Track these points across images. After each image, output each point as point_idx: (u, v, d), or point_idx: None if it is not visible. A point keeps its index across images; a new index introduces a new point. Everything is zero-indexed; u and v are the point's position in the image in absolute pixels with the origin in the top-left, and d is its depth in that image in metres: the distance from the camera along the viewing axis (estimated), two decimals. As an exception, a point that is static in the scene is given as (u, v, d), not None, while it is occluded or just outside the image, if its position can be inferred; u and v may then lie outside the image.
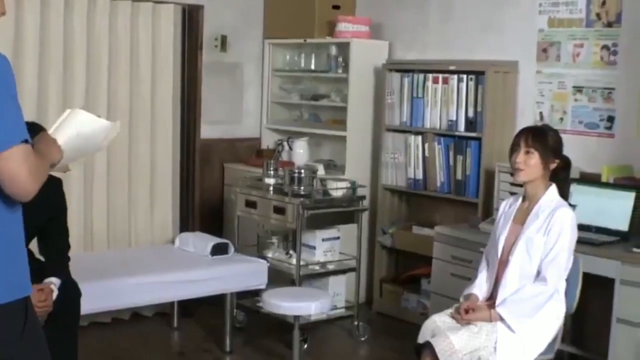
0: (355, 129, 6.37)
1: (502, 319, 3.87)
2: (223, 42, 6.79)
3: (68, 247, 4.46)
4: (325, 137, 6.82)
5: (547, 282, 3.86)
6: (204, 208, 6.62)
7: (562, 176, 4.06)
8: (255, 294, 5.77)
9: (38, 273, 4.27)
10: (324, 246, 5.75)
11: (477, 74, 5.65)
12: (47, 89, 5.52)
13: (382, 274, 6.36)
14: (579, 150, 5.39)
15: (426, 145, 5.93)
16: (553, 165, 4.00)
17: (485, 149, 5.60)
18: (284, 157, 6.73)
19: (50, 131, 2.76)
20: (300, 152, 6.63)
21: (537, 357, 3.93)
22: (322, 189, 5.65)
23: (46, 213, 4.30)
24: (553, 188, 4.01)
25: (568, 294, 3.97)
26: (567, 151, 5.30)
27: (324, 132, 6.70)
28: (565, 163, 4.08)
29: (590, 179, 5.17)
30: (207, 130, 6.61)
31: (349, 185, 5.71)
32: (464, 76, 5.71)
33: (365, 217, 6.01)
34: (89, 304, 4.44)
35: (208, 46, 6.62)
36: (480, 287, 4.15)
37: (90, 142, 2.92)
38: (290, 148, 6.70)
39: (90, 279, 4.60)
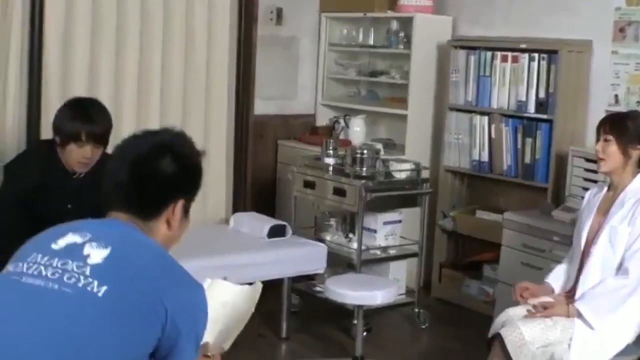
0: (417, 107, 6.12)
1: (580, 315, 3.64)
2: (279, 15, 6.55)
3: (124, 228, 4.28)
4: (382, 115, 6.58)
5: (629, 275, 3.62)
6: (256, 186, 6.39)
7: None
8: (311, 277, 5.58)
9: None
10: (385, 230, 5.51)
11: (549, 52, 5.38)
12: (99, 64, 5.29)
13: (442, 258, 6.13)
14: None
15: (492, 127, 5.67)
16: (635, 152, 3.77)
17: (557, 132, 5.34)
18: (340, 135, 6.50)
19: None
20: (357, 130, 6.40)
21: (618, 357, 3.71)
22: (385, 170, 5.40)
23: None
24: None
25: None
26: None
27: (382, 109, 6.46)
28: None
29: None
30: (261, 106, 6.38)
31: (412, 167, 5.47)
32: (536, 55, 5.43)
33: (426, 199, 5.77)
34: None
35: (263, 19, 6.37)
36: (557, 278, 3.96)
37: (237, 313, 2.78)
38: (347, 126, 6.47)
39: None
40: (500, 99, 5.65)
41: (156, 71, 5.50)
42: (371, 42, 6.56)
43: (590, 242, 3.82)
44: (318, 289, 5.60)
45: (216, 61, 5.77)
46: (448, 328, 5.53)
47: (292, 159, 6.35)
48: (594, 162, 4.99)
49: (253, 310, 2.87)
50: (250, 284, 2.89)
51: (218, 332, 2.68)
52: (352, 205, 5.28)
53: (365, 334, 5.00)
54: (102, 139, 3.94)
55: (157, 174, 2.19)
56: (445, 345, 5.25)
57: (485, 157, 5.75)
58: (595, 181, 5.08)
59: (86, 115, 3.87)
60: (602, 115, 5.28)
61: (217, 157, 5.83)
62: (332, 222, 5.68)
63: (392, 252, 5.56)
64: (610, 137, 3.80)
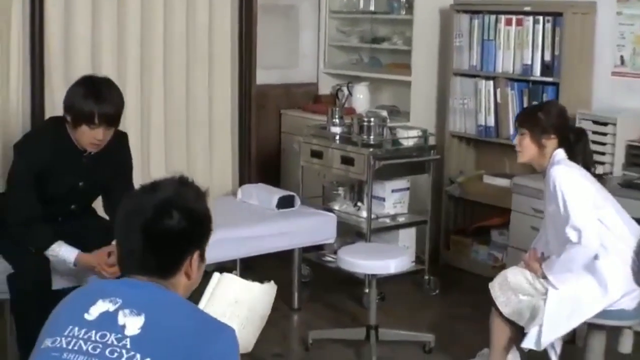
0: (421, 73, 6.08)
1: (545, 277, 3.85)
2: (278, -17, 6.50)
3: (134, 204, 4.24)
4: (385, 82, 6.54)
5: (570, 243, 3.77)
6: (259, 157, 6.34)
7: (578, 149, 3.99)
8: (320, 246, 5.57)
9: (103, 233, 4.09)
10: (394, 198, 5.51)
11: (553, 15, 5.34)
12: (101, 36, 5.21)
13: (449, 225, 6.12)
14: (665, 96, 5.15)
15: (498, 91, 5.65)
16: (548, 142, 3.94)
17: (564, 95, 5.30)
18: (343, 102, 6.46)
19: (202, 304, 2.53)
20: (360, 97, 6.38)
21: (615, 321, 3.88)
22: (392, 138, 5.38)
23: (112, 169, 4.10)
24: (555, 153, 3.94)
25: None
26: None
27: (385, 76, 6.42)
28: (577, 136, 4.02)
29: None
30: (262, 75, 6.29)
31: (420, 133, 5.44)
32: (540, 18, 5.39)
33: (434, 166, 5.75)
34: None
35: (263, -12, 6.31)
36: (538, 242, 4.17)
37: (254, 315, 2.74)
38: (350, 93, 6.43)
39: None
40: (505, 62, 5.62)
41: (158, 42, 5.43)
42: (372, 8, 6.52)
43: None
44: (328, 258, 5.62)
45: (218, 31, 5.70)
46: (458, 294, 5.54)
47: (296, 128, 6.32)
48: (603, 124, 5.05)
49: (270, 311, 2.87)
50: (262, 282, 2.88)
51: (236, 331, 2.66)
52: (360, 174, 5.27)
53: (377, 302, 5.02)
54: (114, 120, 3.92)
55: (168, 235, 2.14)
56: (456, 312, 5.25)
57: (491, 122, 5.72)
58: (603, 144, 5.09)
59: (99, 97, 3.82)
60: (609, 77, 5.38)
61: (222, 129, 5.78)
62: (340, 191, 5.67)
63: (401, 219, 5.55)
64: (524, 131, 3.99)
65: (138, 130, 5.31)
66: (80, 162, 3.98)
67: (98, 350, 2.02)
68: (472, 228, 6.03)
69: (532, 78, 5.47)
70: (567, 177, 3.85)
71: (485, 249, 5.85)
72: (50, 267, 3.95)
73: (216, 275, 2.77)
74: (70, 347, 2.04)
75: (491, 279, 3.93)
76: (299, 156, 5.72)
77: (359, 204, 5.52)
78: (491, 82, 5.69)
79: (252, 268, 5.68)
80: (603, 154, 5.07)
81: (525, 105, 5.47)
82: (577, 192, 3.83)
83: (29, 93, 4.93)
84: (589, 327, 3.96)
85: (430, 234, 5.81)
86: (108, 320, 2.05)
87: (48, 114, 4.94)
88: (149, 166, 5.51)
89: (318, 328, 4.84)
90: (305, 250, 5.44)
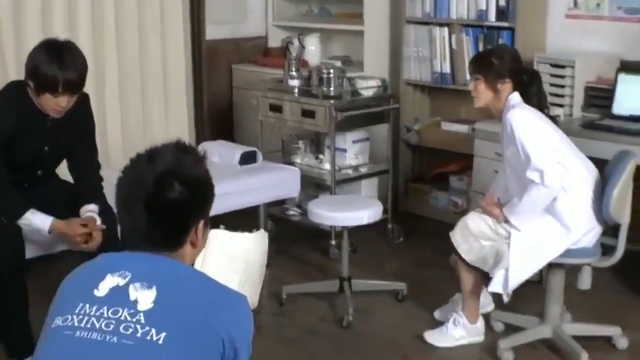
0: (373, 22, 6.05)
1: (507, 220, 3.90)
2: None
3: (99, 166, 4.18)
4: (336, 32, 6.51)
5: (532, 185, 3.81)
6: (212, 112, 6.30)
7: (532, 91, 4.03)
8: (282, 201, 5.54)
9: (69, 196, 4.02)
10: (355, 149, 5.50)
11: (508, -41, 5.35)
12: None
13: (407, 173, 6.14)
14: (619, 38, 5.21)
15: (453, 37, 5.65)
16: (503, 86, 3.98)
17: (519, 39, 5.33)
18: (293, 54, 6.39)
19: (197, 265, 2.48)
20: (312, 49, 6.31)
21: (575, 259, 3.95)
22: (352, 89, 5.35)
23: (76, 131, 4.01)
24: (510, 97, 3.98)
25: (604, 195, 3.84)
26: (603, 38, 5.16)
27: (336, 27, 6.38)
28: (530, 77, 4.05)
29: (635, 67, 4.96)
30: (212, 31, 6.23)
31: (379, 83, 5.42)
32: (493, -39, 5.40)
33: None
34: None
35: (208, -61, 6.19)
36: (497, 187, 4.24)
37: (251, 268, 2.68)
38: (302, 45, 6.35)
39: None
40: (459, 9, 5.63)
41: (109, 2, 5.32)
42: (320, -43, 6.45)
43: None
44: (291, 212, 5.60)
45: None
46: (422, 241, 5.58)
47: (248, 83, 6.26)
48: (560, 67, 5.09)
49: (266, 261, 2.84)
50: (251, 231, 2.84)
51: (237, 288, 2.63)
52: (321, 126, 5.24)
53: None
54: (78, 87, 3.81)
55: (172, 208, 2.08)
56: (423, 259, 5.29)
57: (447, 69, 5.74)
58: (562, 86, 5.14)
59: (62, 65, 3.68)
60: (563, 20, 5.40)
61: (177, 86, 5.73)
62: (300, 144, 5.64)
63: (363, 170, 5.55)
64: (478, 76, 4.02)
65: (92, 86, 5.19)
66: (44, 127, 3.88)
67: (111, 326, 1.98)
68: (430, 175, 6.07)
69: (487, 23, 5.48)
70: (524, 120, 3.88)
71: (444, 195, 5.90)
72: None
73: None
74: (82, 324, 2.00)
75: (452, 224, 4.02)
76: (256, 111, 5.65)
77: (321, 156, 5.50)
78: (445, 29, 5.69)
79: (215, 224, 5.64)
80: (562, 96, 5.12)
81: (480, 50, 5.49)
82: (536, 134, 3.86)
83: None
84: (549, 266, 4.03)
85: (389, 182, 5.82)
86: (119, 296, 2.01)
87: (-1, 78, 4.84)
88: (105, 123, 5.41)
89: (289, 282, 4.82)
90: (268, 205, 5.41)
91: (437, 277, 4.88)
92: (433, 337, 4.21)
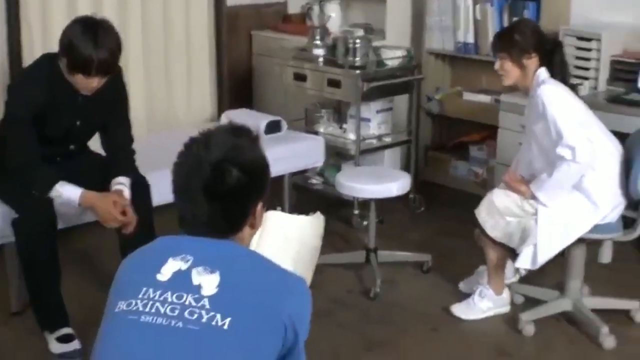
0: (396, -10, 6.02)
1: (534, 196, 3.93)
2: None
3: (132, 140, 4.19)
4: (356, 0, 6.46)
5: (563, 161, 3.81)
6: (231, 80, 6.26)
7: (556, 60, 4.02)
8: (304, 170, 5.56)
9: (101, 169, 4.04)
10: (378, 118, 5.52)
11: None
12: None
13: (427, 142, 6.15)
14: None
15: (477, 7, 5.63)
16: (529, 61, 3.98)
17: (545, 11, 5.30)
18: (314, 21, 6.38)
19: (252, 246, 2.47)
20: (332, 16, 6.27)
21: (598, 234, 3.98)
22: (377, 59, 5.35)
23: (109, 105, 4.02)
24: (538, 73, 3.98)
25: (632, 170, 3.87)
26: (631, 10, 5.18)
27: (359, -7, 6.36)
28: (553, 47, 4.05)
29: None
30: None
31: (404, 53, 5.42)
32: None
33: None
34: (156, 196, 4.16)
35: None
36: (519, 163, 4.25)
37: (306, 250, 2.68)
38: (322, 11, 6.33)
39: (152, 169, 4.27)
40: (484, -22, 5.60)
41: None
42: None
43: None
44: (313, 181, 5.62)
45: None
46: (443, 211, 5.62)
47: (268, 49, 6.26)
48: (586, 39, 5.09)
49: (320, 243, 2.86)
50: (307, 213, 2.87)
51: (291, 269, 2.65)
52: (347, 96, 5.25)
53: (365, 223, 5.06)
54: (111, 69, 3.80)
55: (231, 194, 2.09)
56: (445, 229, 5.34)
57: (470, 39, 5.71)
58: (588, 59, 5.14)
59: (97, 46, 3.64)
60: (588, -9, 5.38)
61: (200, 54, 5.70)
62: (324, 113, 5.64)
63: (386, 140, 5.57)
64: (503, 54, 4.02)
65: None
66: (76, 101, 3.87)
67: (176, 312, 2.00)
68: (451, 144, 6.09)
69: (512, -6, 5.47)
70: (556, 97, 3.90)
71: (464, 164, 5.91)
72: (54, 208, 3.90)
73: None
74: (147, 309, 2.02)
75: (472, 194, 4.07)
76: (277, 78, 5.66)
77: (344, 125, 5.51)
78: (470, -1, 5.68)
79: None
80: (587, 69, 5.12)
81: (505, 21, 5.48)
82: (567, 110, 3.88)
83: (5, 29, 4.78)
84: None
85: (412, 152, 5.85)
86: (182, 280, 2.04)
87: (25, 50, 4.83)
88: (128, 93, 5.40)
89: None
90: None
91: (460, 247, 4.92)
92: (460, 310, 4.27)
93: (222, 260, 2.06)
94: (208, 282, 2.02)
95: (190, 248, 2.09)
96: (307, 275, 2.77)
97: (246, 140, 2.17)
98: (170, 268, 2.06)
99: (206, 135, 2.17)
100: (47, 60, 3.92)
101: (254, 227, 2.20)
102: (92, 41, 3.65)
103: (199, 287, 2.02)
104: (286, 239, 2.73)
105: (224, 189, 2.08)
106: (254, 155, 2.16)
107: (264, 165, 2.19)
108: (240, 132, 2.20)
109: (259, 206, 2.17)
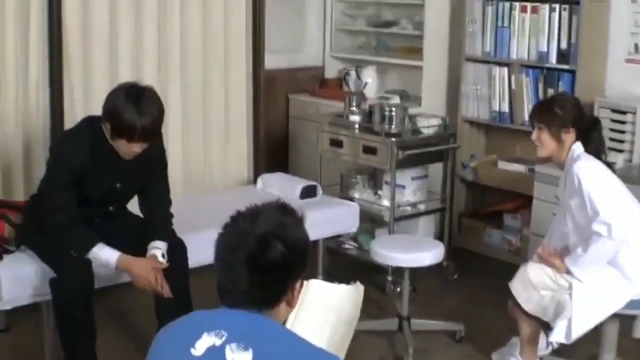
0: (432, 58, 6.11)
1: (569, 271, 3.92)
2: (284, -33, 6.46)
3: (170, 203, 4.23)
4: (392, 66, 6.57)
5: (598, 237, 3.80)
6: (268, 143, 6.34)
7: (593, 137, 4.04)
8: (338, 235, 5.59)
9: (139, 232, 4.09)
10: (413, 185, 5.55)
11: (570, 3, 5.38)
12: (118, 27, 5.17)
13: (461, 209, 6.18)
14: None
15: (512, 77, 5.69)
16: (567, 136, 3.99)
17: (580, 82, 5.36)
18: (350, 86, 6.47)
19: (292, 314, 2.54)
20: (369, 81, 6.36)
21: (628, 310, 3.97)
22: (413, 127, 5.41)
23: (148, 168, 4.08)
24: (574, 148, 4.00)
25: None
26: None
27: (395, 61, 6.44)
28: (591, 124, 4.07)
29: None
30: (270, 60, 6.27)
31: (440, 122, 5.48)
32: (556, 5, 5.43)
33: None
34: (192, 259, 4.20)
35: (268, -29, 6.26)
36: (552, 237, 4.25)
37: (344, 320, 2.73)
38: (359, 77, 6.43)
39: (188, 230, 4.33)
40: (519, 49, 5.65)
41: (175, 35, 5.42)
42: (379, -8, 6.53)
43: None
44: (347, 246, 5.65)
45: (233, 15, 5.68)
46: (476, 278, 5.62)
47: (305, 113, 6.35)
48: (622, 112, 5.12)
49: (358, 315, 2.88)
50: (348, 283, 2.89)
51: (328, 339, 2.67)
52: (382, 163, 5.30)
53: (398, 290, 5.07)
54: (153, 136, 3.88)
55: (273, 268, 2.14)
56: (478, 297, 5.32)
57: (505, 108, 5.77)
58: (623, 132, 5.17)
59: (141, 114, 3.72)
60: (623, 64, 5.43)
61: (238, 117, 5.79)
62: (359, 179, 5.69)
63: (421, 207, 5.61)
64: (542, 125, 4.02)
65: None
66: (117, 164, 3.93)
67: None
68: (485, 212, 6.10)
69: (547, 65, 5.51)
70: (591, 173, 3.91)
71: (498, 232, 5.93)
72: (92, 270, 3.95)
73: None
74: None
75: (506, 262, 4.06)
76: (313, 143, 5.73)
77: (379, 192, 5.56)
78: (505, 69, 5.73)
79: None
80: (622, 141, 5.14)
81: (540, 92, 5.54)
82: (603, 187, 3.89)
83: (48, 90, 4.91)
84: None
85: (444, 218, 5.87)
86: (216, 356, 2.06)
87: (67, 111, 4.94)
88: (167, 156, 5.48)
89: (347, 318, 4.85)
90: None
91: (493, 317, 4.90)
92: (494, 381, 4.26)
93: (256, 338, 2.08)
94: (241, 359, 2.04)
95: (225, 323, 2.12)
96: (344, 345, 2.79)
97: (292, 218, 2.22)
98: (204, 343, 2.08)
99: (253, 210, 2.22)
100: (90, 123, 3.99)
101: (291, 305, 2.23)
102: (136, 108, 3.72)
103: None
104: (325, 308, 2.75)
105: (266, 262, 2.12)
106: (299, 234, 2.20)
107: (306, 244, 2.23)
108: (286, 210, 2.25)
109: (298, 284, 2.21)
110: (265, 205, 2.25)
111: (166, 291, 3.92)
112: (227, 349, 2.05)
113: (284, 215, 2.21)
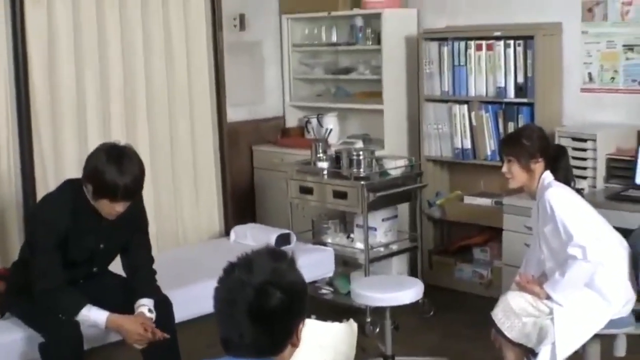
0: (392, 101, 6.22)
1: (548, 297, 4.00)
2: (242, 21, 6.55)
3: (152, 260, 4.26)
4: (352, 111, 6.68)
5: (574, 261, 3.90)
6: (235, 194, 6.39)
7: (560, 165, 4.18)
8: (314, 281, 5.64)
9: (122, 291, 4.11)
10: (384, 226, 5.64)
11: (524, 38, 5.55)
12: (84, 81, 5.23)
13: (430, 246, 6.27)
14: (636, 109, 5.40)
15: (472, 114, 5.83)
16: (536, 165, 4.12)
17: (539, 114, 5.53)
18: (312, 134, 6.56)
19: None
20: (331, 128, 6.45)
21: (612, 329, 4.07)
22: (381, 170, 5.51)
23: (131, 227, 4.11)
24: (544, 177, 4.12)
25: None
26: (619, 110, 5.36)
27: (355, 106, 6.55)
28: (557, 153, 4.22)
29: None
30: (231, 113, 6.34)
31: (407, 162, 5.60)
32: (511, 42, 5.60)
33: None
34: (177, 314, 4.23)
35: (227, 26, 6.34)
36: (529, 266, 4.33)
37: (339, 355, 2.80)
38: (320, 124, 6.52)
39: (170, 286, 4.34)
40: (477, 86, 5.81)
41: (140, 88, 5.49)
42: (334, 39, 6.64)
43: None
44: (324, 291, 5.70)
45: (196, 71, 5.79)
46: (451, 313, 5.68)
47: (269, 163, 6.41)
48: (582, 140, 5.27)
49: (354, 351, 2.93)
50: (341, 320, 2.95)
51: None
52: (354, 207, 5.38)
53: (377, 330, 5.14)
54: (136, 194, 3.92)
55: (274, 315, 2.17)
56: (457, 331, 5.38)
57: (467, 144, 5.91)
58: (585, 159, 5.31)
59: (122, 174, 3.76)
60: (578, 94, 5.60)
61: (207, 170, 5.85)
62: (330, 224, 5.76)
63: (393, 247, 5.69)
64: (511, 158, 4.15)
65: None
66: (99, 224, 3.95)
67: None
68: (454, 248, 6.20)
69: (506, 100, 5.67)
70: (562, 199, 4.02)
71: (469, 267, 6.03)
72: (81, 331, 3.95)
73: None
74: None
75: (478, 295, 4.12)
76: (280, 191, 5.80)
77: (352, 235, 5.63)
78: (465, 106, 5.87)
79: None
80: (584, 168, 5.28)
81: (500, 126, 5.68)
82: (575, 212, 4.01)
83: (19, 156, 4.94)
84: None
85: (420, 256, 5.95)
86: None
87: (38, 175, 4.96)
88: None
89: (330, 362, 4.88)
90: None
91: (474, 348, 4.97)
92: (482, 412, 4.31)
93: None
94: None
95: None
96: None
97: (285, 263, 2.25)
98: None
99: (246, 259, 2.24)
100: (70, 186, 4.02)
101: (295, 345, 2.26)
102: (117, 168, 3.75)
103: None
104: (321, 347, 2.80)
105: (267, 311, 2.15)
106: (294, 278, 2.24)
107: (303, 285, 2.27)
108: (278, 255, 2.28)
109: (300, 325, 2.25)
110: (257, 252, 2.28)
111: (159, 334, 3.93)
112: None
113: (276, 262, 2.24)
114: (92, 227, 3.95)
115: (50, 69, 5.06)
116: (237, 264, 2.24)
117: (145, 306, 4.03)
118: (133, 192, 3.84)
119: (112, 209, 3.84)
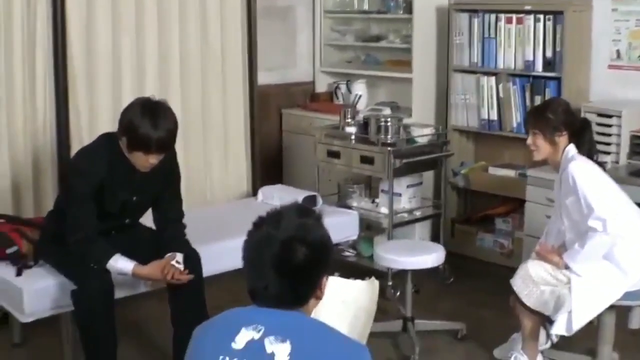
0: (420, 70, 6.29)
1: (567, 266, 4.11)
2: (275, -15, 6.65)
3: (182, 214, 4.38)
4: (381, 79, 6.75)
5: (594, 233, 4.01)
6: (264, 157, 6.51)
7: (584, 139, 4.25)
8: (337, 243, 5.76)
9: (153, 243, 4.25)
10: (409, 193, 5.75)
11: (554, 13, 5.61)
12: (120, 48, 5.35)
13: (453, 215, 6.37)
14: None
15: (500, 86, 5.90)
16: (560, 139, 4.21)
17: (566, 89, 5.58)
18: (340, 99, 6.66)
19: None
20: (359, 94, 6.54)
21: (627, 301, 4.16)
22: (407, 137, 5.61)
23: (163, 181, 4.23)
24: (567, 149, 4.20)
25: None
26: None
27: (384, 74, 6.63)
28: (582, 126, 4.28)
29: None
30: (262, 77, 6.45)
31: (433, 131, 5.69)
32: (541, 16, 5.65)
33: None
34: (206, 268, 4.34)
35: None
36: (550, 236, 4.46)
37: (362, 313, 2.89)
38: (349, 90, 6.62)
39: (198, 243, 4.44)
40: (506, 59, 5.87)
41: (174, 52, 5.60)
42: (366, 7, 6.72)
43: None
44: (347, 253, 5.82)
45: (229, 34, 5.89)
46: (471, 281, 5.80)
47: (297, 127, 6.52)
48: (608, 116, 5.33)
49: (375, 308, 3.04)
50: (363, 278, 3.06)
51: (348, 330, 2.82)
52: (380, 172, 5.48)
53: (398, 294, 5.27)
54: (169, 147, 4.03)
55: (300, 269, 2.26)
56: (476, 298, 5.50)
57: (494, 116, 5.98)
58: (609, 134, 5.39)
59: (157, 126, 3.87)
60: (605, 70, 5.65)
61: (237, 132, 5.96)
62: (356, 188, 5.87)
63: (417, 214, 5.80)
64: (536, 131, 4.24)
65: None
66: (133, 178, 4.07)
67: None
68: (477, 217, 6.30)
69: (534, 73, 5.73)
70: (585, 172, 4.11)
71: (490, 236, 6.13)
72: (111, 279, 4.09)
73: None
74: None
75: (499, 265, 4.20)
76: (307, 154, 5.91)
77: (377, 200, 5.74)
78: (493, 78, 5.94)
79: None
80: (608, 144, 5.35)
81: (527, 99, 5.75)
82: (597, 185, 4.10)
83: (54, 109, 5.08)
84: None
85: (438, 223, 6.06)
86: (256, 349, 2.19)
87: (73, 128, 5.09)
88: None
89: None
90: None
91: (492, 316, 5.10)
92: (498, 377, 4.43)
93: (291, 331, 2.22)
94: (280, 350, 2.17)
95: (261, 318, 2.25)
96: (363, 338, 2.96)
97: (312, 219, 2.37)
98: (243, 337, 2.22)
99: (275, 214, 2.36)
100: (106, 139, 4.14)
101: (319, 298, 2.37)
102: (152, 121, 3.87)
103: (272, 355, 2.17)
104: (344, 303, 2.91)
105: (293, 265, 2.26)
106: (319, 234, 2.35)
107: (328, 242, 2.38)
108: (305, 211, 2.40)
109: (324, 279, 2.35)
110: (285, 208, 2.39)
111: (184, 277, 4.07)
112: (266, 341, 2.19)
113: (304, 217, 2.35)
114: (126, 179, 4.07)
115: (88, 28, 5.18)
116: (266, 218, 2.35)
117: (174, 259, 4.16)
118: (166, 144, 3.96)
119: (145, 161, 3.96)
